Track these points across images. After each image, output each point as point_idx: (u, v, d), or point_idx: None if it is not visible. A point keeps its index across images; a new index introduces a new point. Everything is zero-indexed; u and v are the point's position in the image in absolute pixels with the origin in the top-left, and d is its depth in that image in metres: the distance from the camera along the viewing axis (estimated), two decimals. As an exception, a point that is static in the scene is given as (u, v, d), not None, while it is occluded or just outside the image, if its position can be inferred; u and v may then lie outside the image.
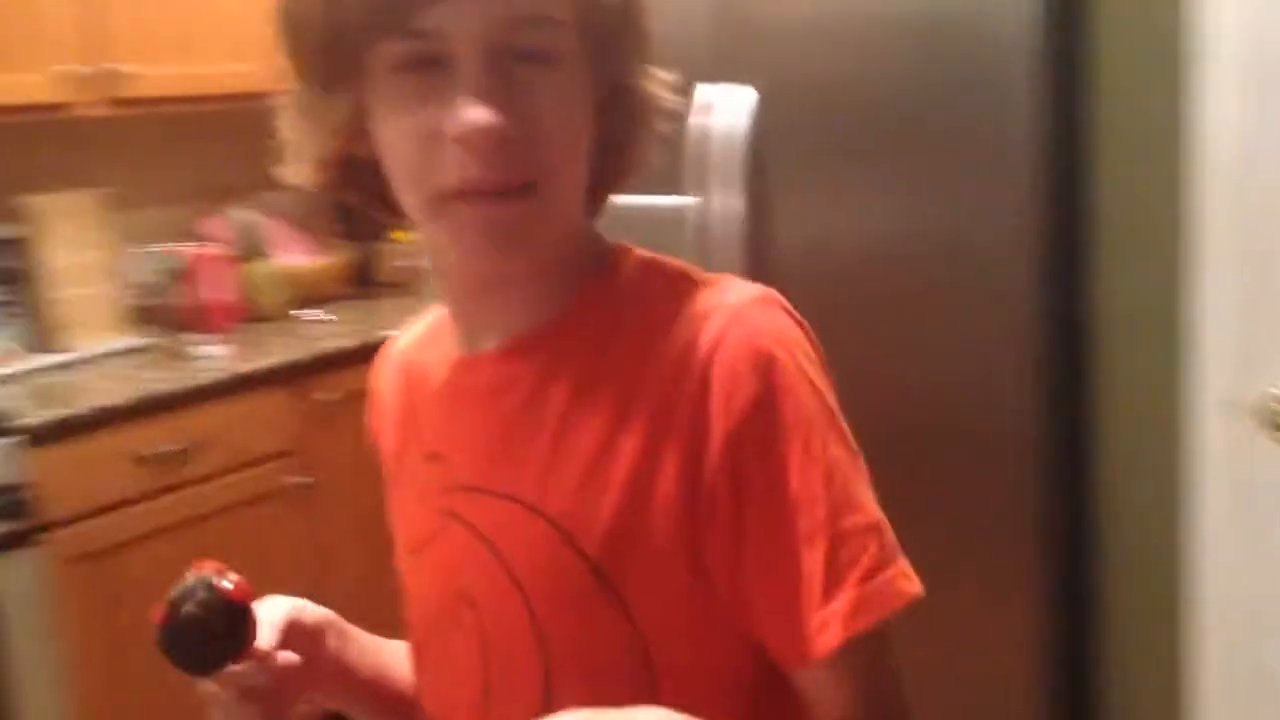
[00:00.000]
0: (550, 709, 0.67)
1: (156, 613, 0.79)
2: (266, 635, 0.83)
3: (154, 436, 2.37)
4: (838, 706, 0.73)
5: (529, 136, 0.70)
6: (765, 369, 0.72)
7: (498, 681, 0.80)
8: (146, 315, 2.86)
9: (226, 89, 2.82)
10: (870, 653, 0.72)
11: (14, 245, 2.65)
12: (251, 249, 2.99)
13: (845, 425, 0.75)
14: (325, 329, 2.91)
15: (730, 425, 0.71)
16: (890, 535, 0.74)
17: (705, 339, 0.73)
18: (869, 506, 0.74)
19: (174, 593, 0.80)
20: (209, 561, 0.81)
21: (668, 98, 0.79)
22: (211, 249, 2.83)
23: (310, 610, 0.90)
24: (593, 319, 0.78)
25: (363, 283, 3.32)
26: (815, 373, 0.75)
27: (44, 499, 2.19)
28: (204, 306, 2.81)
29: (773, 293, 0.78)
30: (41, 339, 2.67)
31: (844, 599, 0.70)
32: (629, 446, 0.73)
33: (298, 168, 0.80)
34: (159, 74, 2.66)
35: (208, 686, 0.82)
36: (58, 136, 2.72)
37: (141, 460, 2.34)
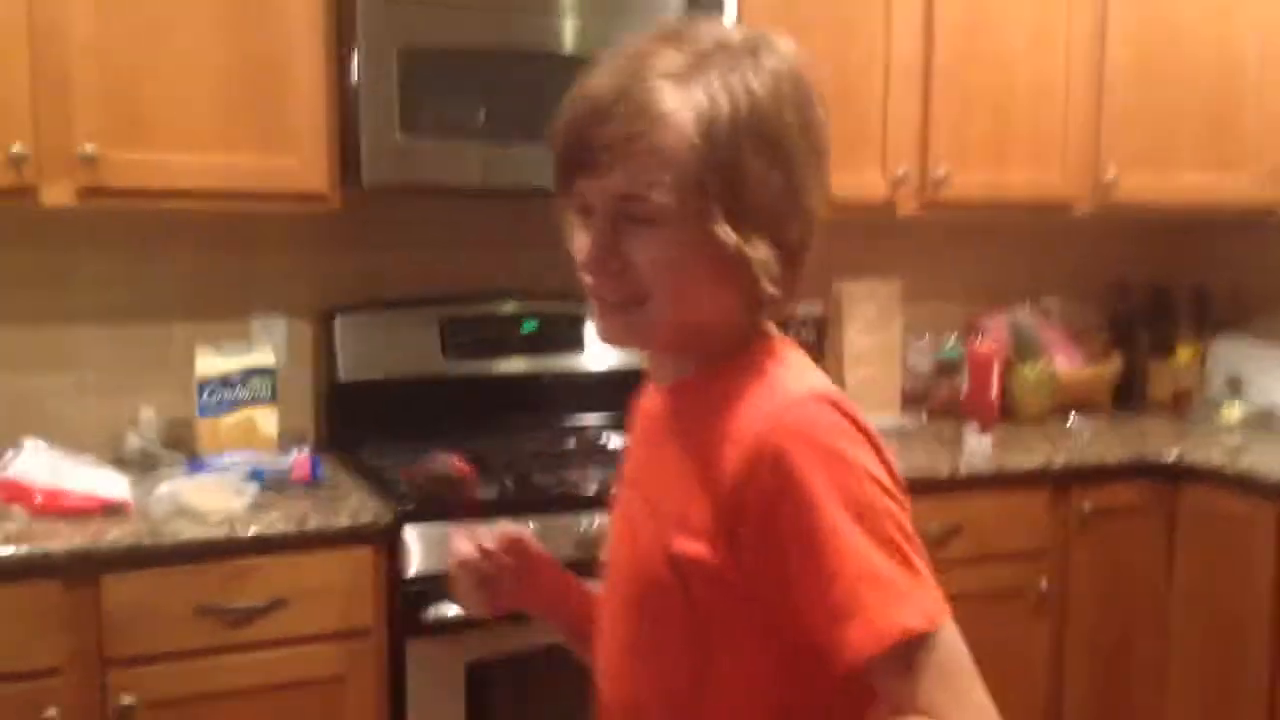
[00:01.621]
0: (634, 648, 1.09)
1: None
2: (490, 539, 1.24)
3: (923, 515, 2.50)
4: (895, 703, 0.94)
5: (622, 270, 1.02)
6: (776, 462, 0.96)
7: (616, 627, 1.13)
8: (919, 400, 3.05)
9: (1025, 197, 2.94)
10: (901, 663, 0.93)
11: (816, 323, 2.99)
12: (1024, 350, 3.06)
13: (871, 493, 0.95)
14: (1088, 438, 2.88)
15: (768, 493, 0.96)
16: (896, 577, 0.94)
17: (750, 429, 0.99)
18: (878, 561, 0.94)
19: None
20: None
21: (761, 253, 1.01)
22: (987, 346, 2.94)
23: (534, 541, 1.29)
24: (710, 388, 1.06)
25: (1127, 397, 3.23)
26: (850, 464, 0.96)
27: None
28: (972, 399, 2.92)
29: (821, 391, 1.01)
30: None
31: (855, 631, 0.93)
32: (698, 483, 1.02)
33: None
34: (971, 180, 2.84)
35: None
36: (873, 228, 3.02)
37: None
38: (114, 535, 1.97)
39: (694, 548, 1.01)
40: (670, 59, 1.00)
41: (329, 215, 2.42)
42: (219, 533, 2.04)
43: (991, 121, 2.87)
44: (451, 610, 2.14)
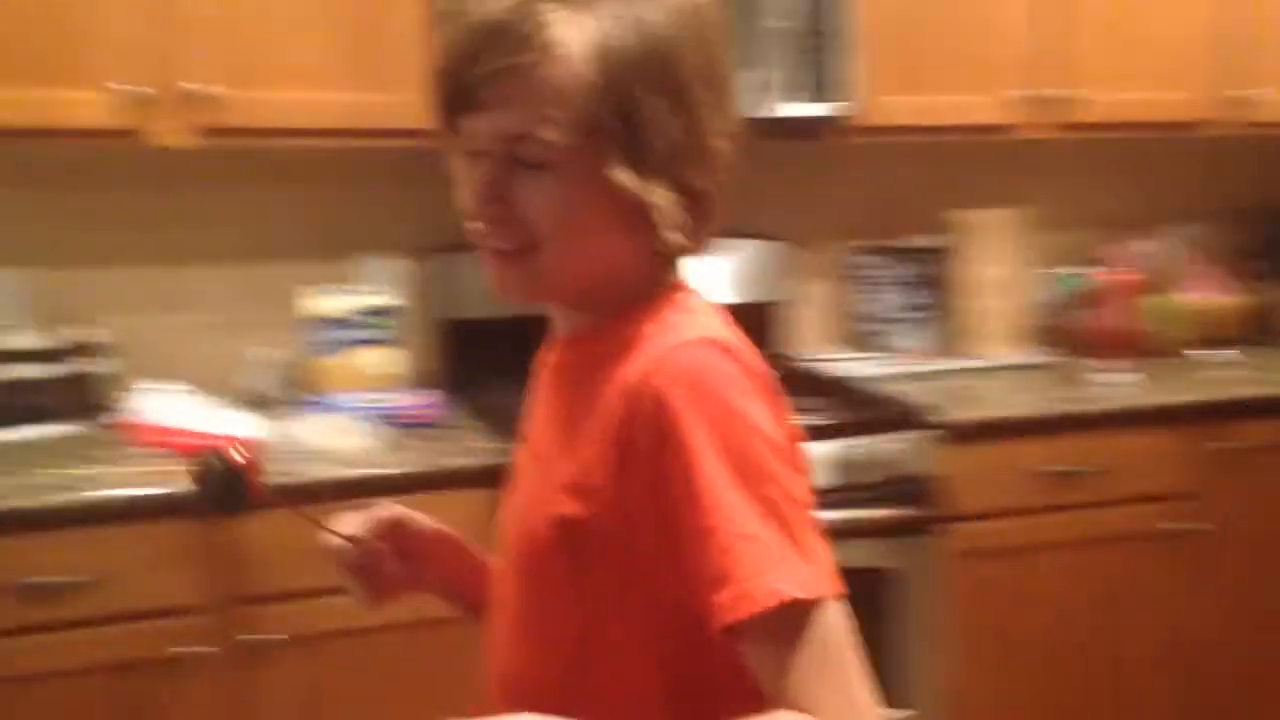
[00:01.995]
0: (520, 616, 1.01)
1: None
2: (358, 525, 1.14)
3: (1056, 453, 2.41)
4: (760, 673, 0.86)
5: (514, 217, 0.93)
6: (658, 407, 0.88)
7: (503, 594, 1.04)
8: (1047, 334, 2.93)
9: (1160, 117, 2.78)
10: (773, 636, 0.84)
11: (938, 254, 2.88)
12: (1159, 280, 2.91)
13: (759, 451, 0.87)
14: (1229, 372, 2.74)
15: (650, 444, 0.88)
16: (786, 545, 0.85)
17: (636, 374, 0.91)
18: (758, 519, 0.85)
19: (201, 459, 1.06)
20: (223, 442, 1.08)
21: (663, 200, 0.93)
22: (1123, 275, 2.80)
23: (421, 520, 1.18)
24: (603, 339, 0.97)
25: (1265, 329, 3.06)
26: (722, 408, 0.87)
27: (950, 493, 2.34)
28: (1104, 333, 2.79)
29: (715, 336, 0.93)
30: (951, 343, 2.86)
31: (726, 593, 0.84)
32: (587, 437, 0.94)
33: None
34: (1107, 100, 2.68)
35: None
36: (994, 155, 2.88)
37: (1039, 474, 2.40)
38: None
39: (578, 507, 0.93)
40: None
41: (441, 149, 2.36)
42: (353, 473, 2.03)
43: (1117, 39, 2.71)
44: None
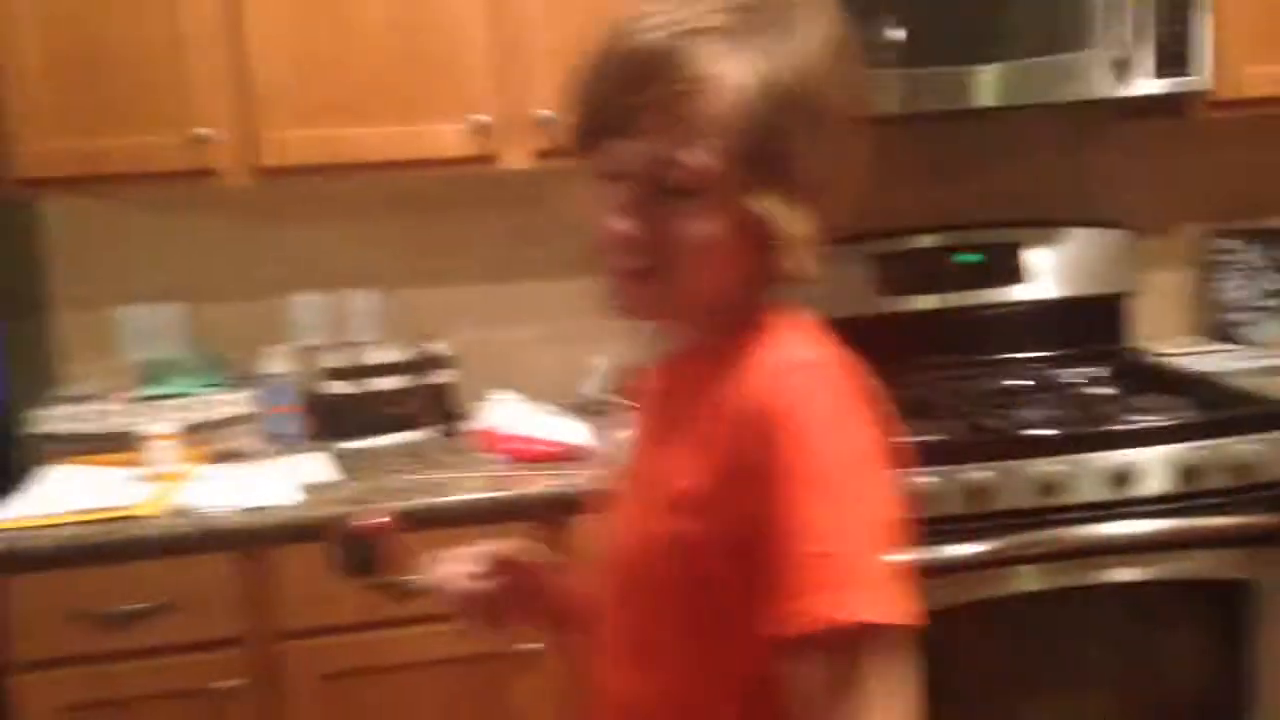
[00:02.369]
0: (641, 645, 1.01)
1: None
2: (463, 565, 1.20)
3: None
4: (793, 690, 0.88)
5: (652, 238, 0.94)
6: (786, 419, 0.90)
7: (612, 616, 1.05)
8: None
9: None
10: (819, 655, 0.86)
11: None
12: None
13: (853, 472, 0.89)
14: None
15: (755, 456, 0.90)
16: (863, 566, 0.86)
17: (750, 393, 0.93)
18: (841, 539, 0.86)
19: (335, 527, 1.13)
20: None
21: (799, 229, 0.95)
22: None
23: (527, 552, 1.22)
24: (714, 359, 0.98)
25: None
26: (825, 429, 0.90)
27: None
28: None
29: (827, 358, 0.97)
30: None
31: (785, 607, 0.86)
32: (695, 452, 0.95)
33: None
34: None
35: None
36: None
37: None
38: (581, 480, 2.06)
39: (692, 523, 0.94)
40: (718, 18, 0.92)
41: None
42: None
43: None
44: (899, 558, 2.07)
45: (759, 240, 0.95)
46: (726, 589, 0.93)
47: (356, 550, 1.12)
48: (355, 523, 1.12)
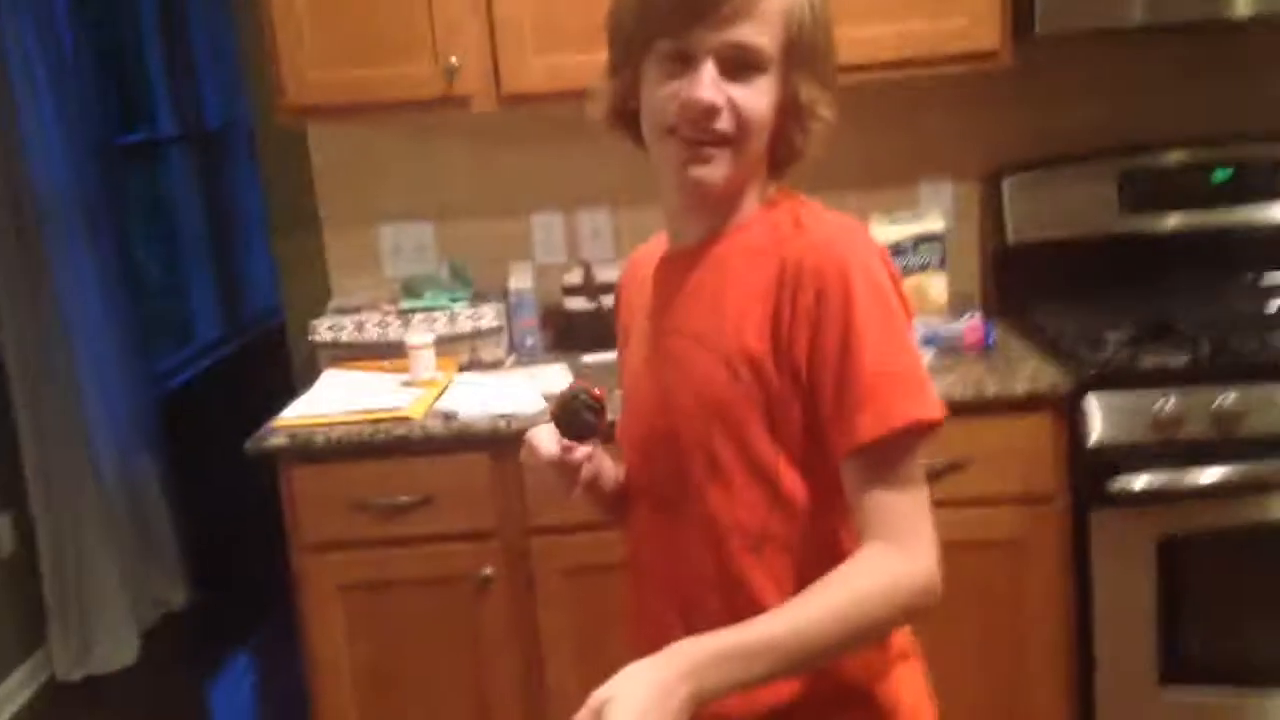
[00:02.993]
0: (716, 467, 1.19)
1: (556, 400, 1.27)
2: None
3: None
4: (858, 490, 1.12)
5: (727, 113, 1.16)
6: (840, 270, 1.13)
7: (682, 454, 1.22)
8: None
9: None
10: (883, 463, 1.11)
11: None
12: None
13: (895, 304, 1.14)
14: None
15: (810, 308, 1.13)
16: (914, 378, 1.13)
17: (799, 256, 1.16)
18: (897, 359, 1.12)
19: (567, 393, 1.25)
20: (580, 380, 1.27)
21: (825, 112, 1.21)
22: None
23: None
24: (751, 233, 1.23)
25: None
26: (876, 273, 1.14)
27: None
28: None
29: (852, 224, 1.20)
30: None
31: (864, 418, 1.11)
32: (752, 314, 1.17)
33: (596, 113, 1.27)
34: None
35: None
36: None
37: None
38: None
39: (761, 375, 1.15)
40: None
41: (996, 72, 2.34)
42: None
43: None
44: (1140, 482, 2.04)
45: (789, 121, 1.19)
46: (788, 413, 1.15)
47: (589, 414, 1.24)
48: (590, 392, 1.25)
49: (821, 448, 1.15)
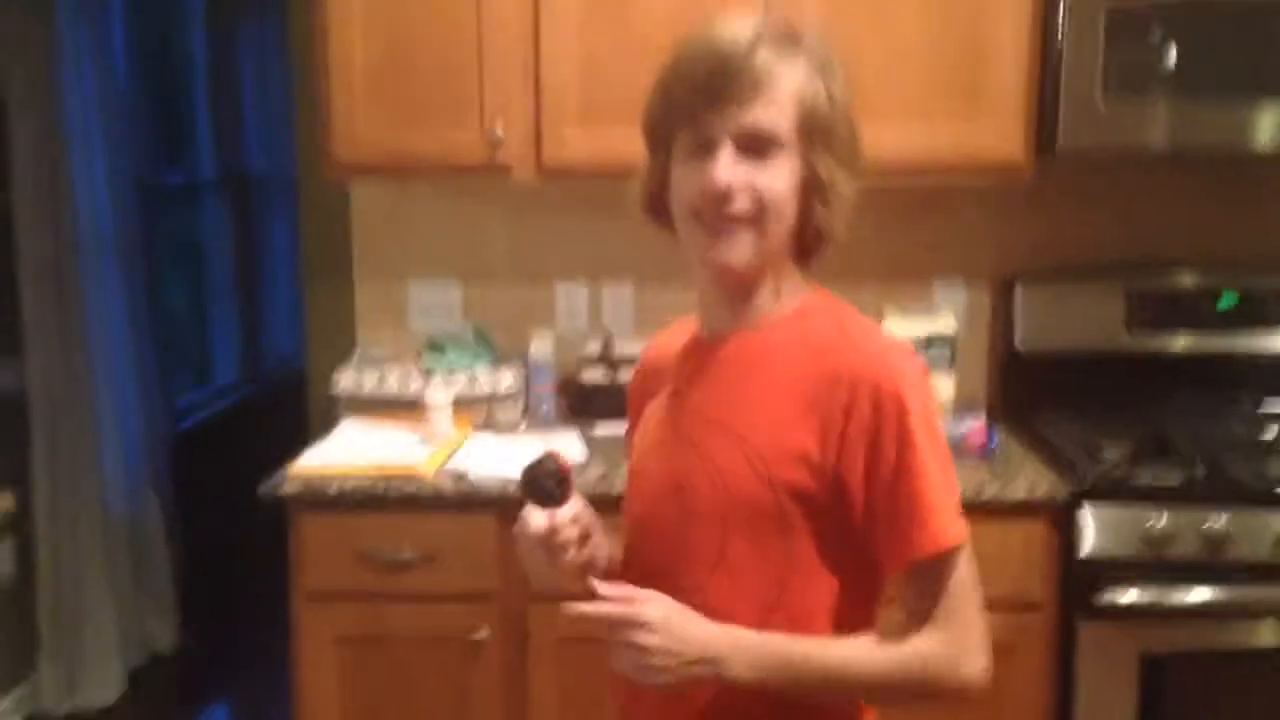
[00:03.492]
0: (723, 560, 1.22)
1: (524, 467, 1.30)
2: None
3: None
4: (911, 602, 1.20)
5: (745, 194, 1.20)
6: (896, 387, 1.18)
7: (688, 541, 1.25)
8: None
9: None
10: (941, 575, 1.19)
11: None
12: None
13: (941, 433, 1.21)
14: None
15: (867, 422, 1.18)
16: (959, 504, 1.20)
17: (859, 369, 1.20)
18: (945, 481, 1.20)
19: (533, 460, 1.29)
20: (552, 451, 1.30)
21: (845, 189, 1.24)
22: None
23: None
24: (793, 331, 1.26)
25: None
26: (930, 403, 1.22)
27: None
28: None
29: (905, 344, 1.29)
30: None
31: (928, 532, 1.18)
32: (796, 415, 1.20)
33: (635, 201, 1.32)
34: None
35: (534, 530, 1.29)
36: None
37: None
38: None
39: (796, 474, 1.19)
40: (784, 27, 1.23)
41: (1017, 182, 2.41)
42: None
43: None
44: (1127, 597, 2.08)
45: (811, 202, 1.22)
46: (818, 530, 1.20)
47: (550, 482, 1.29)
48: (557, 461, 1.30)
49: (853, 554, 1.21)
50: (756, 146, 1.20)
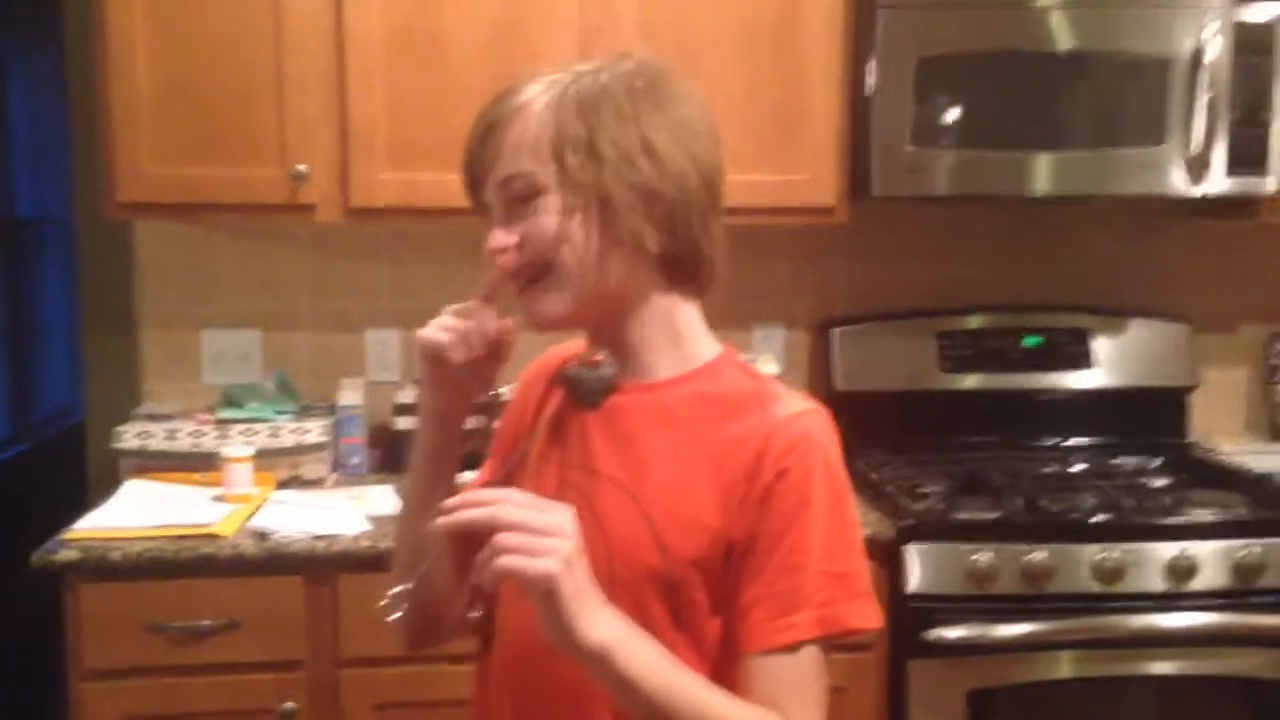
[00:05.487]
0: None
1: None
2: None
3: None
4: (767, 691, 1.04)
5: (525, 244, 1.11)
6: (803, 461, 1.07)
7: None
8: None
9: None
10: (804, 666, 1.05)
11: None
12: None
13: (849, 501, 1.11)
14: None
15: (768, 484, 1.06)
16: (860, 584, 1.08)
17: (765, 430, 1.08)
18: (848, 560, 1.08)
19: (582, 362, 1.17)
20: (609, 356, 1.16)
21: (634, 199, 1.10)
22: None
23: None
24: (696, 389, 1.14)
25: None
26: (836, 467, 1.10)
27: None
28: None
29: (820, 409, 1.13)
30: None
31: (801, 616, 1.04)
32: (698, 478, 1.09)
33: None
34: None
35: None
36: None
37: None
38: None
39: (693, 543, 1.08)
40: (534, 77, 1.15)
41: (832, 226, 2.44)
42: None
43: None
44: (954, 633, 2.09)
45: (615, 227, 1.10)
46: (696, 596, 1.08)
47: (600, 391, 1.16)
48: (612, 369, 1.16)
49: (721, 629, 1.08)
50: (517, 199, 1.11)
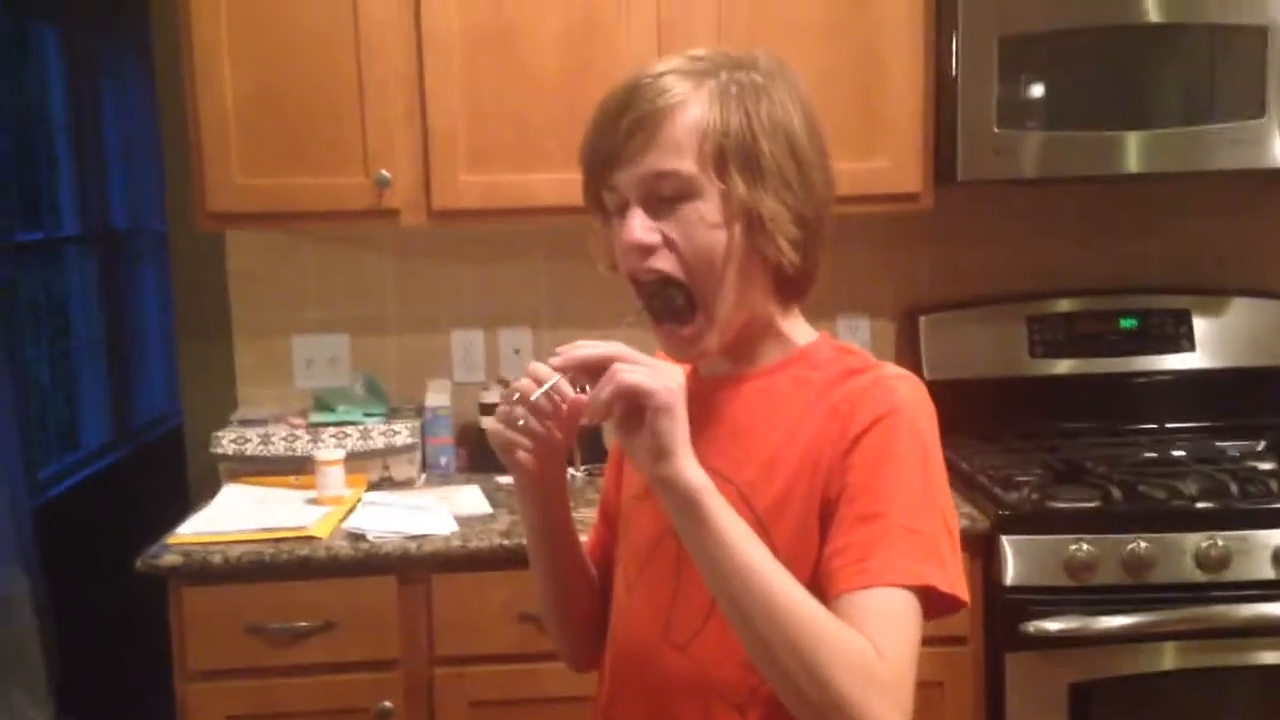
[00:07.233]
0: (716, 612, 1.05)
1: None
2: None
3: None
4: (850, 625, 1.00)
5: (673, 247, 1.11)
6: (888, 415, 1.07)
7: (682, 589, 1.14)
8: None
9: None
10: (886, 607, 1.01)
11: None
12: None
13: (939, 469, 1.09)
14: None
15: (855, 437, 1.07)
16: (941, 548, 1.05)
17: (855, 394, 1.10)
18: (929, 522, 1.05)
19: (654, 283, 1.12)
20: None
21: (788, 217, 1.11)
22: None
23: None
24: (794, 376, 1.16)
25: None
26: (926, 432, 1.09)
27: None
28: None
29: (914, 378, 1.13)
30: None
31: (877, 563, 1.02)
32: (793, 456, 1.11)
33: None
34: None
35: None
36: None
37: None
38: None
39: (794, 523, 1.08)
40: (672, 61, 1.13)
41: (916, 214, 2.40)
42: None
43: None
44: (1054, 626, 2.04)
45: (756, 242, 1.10)
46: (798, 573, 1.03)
47: (680, 298, 1.13)
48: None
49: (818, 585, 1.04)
50: (664, 198, 1.09)
